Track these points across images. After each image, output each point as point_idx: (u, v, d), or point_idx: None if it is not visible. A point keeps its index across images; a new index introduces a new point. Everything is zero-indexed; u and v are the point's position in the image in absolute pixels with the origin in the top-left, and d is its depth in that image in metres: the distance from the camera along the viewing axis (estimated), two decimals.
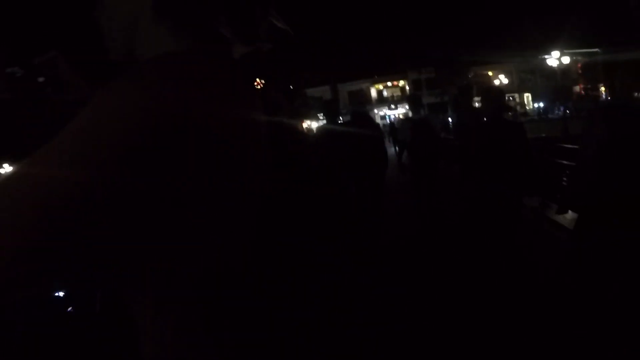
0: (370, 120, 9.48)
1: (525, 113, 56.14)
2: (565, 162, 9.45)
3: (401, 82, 68.61)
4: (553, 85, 57.58)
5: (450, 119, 24.53)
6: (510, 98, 61.01)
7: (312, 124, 53.34)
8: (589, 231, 3.70)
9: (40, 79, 1.95)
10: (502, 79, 58.80)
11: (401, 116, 49.46)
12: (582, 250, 3.87)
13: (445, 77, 54.56)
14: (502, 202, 6.08)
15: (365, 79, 68.60)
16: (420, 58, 56.76)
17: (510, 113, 30.67)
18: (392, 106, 66.42)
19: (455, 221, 8.62)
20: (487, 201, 6.24)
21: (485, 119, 6.60)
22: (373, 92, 69.98)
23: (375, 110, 66.37)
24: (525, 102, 62.51)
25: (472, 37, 49.80)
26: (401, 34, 57.90)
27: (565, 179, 9.02)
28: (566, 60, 39.71)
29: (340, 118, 12.99)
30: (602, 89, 44.33)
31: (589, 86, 54.28)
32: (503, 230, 6.27)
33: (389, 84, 69.72)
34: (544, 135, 29.14)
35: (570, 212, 5.90)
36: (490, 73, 61.00)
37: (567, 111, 47.94)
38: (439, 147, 8.97)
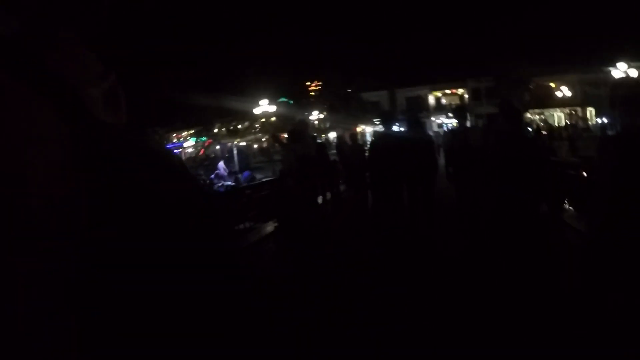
0: (423, 128, 10.52)
1: (588, 128, 53.52)
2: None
3: (460, 91, 67.63)
4: None
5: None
6: (572, 112, 59.37)
7: (365, 128, 53.36)
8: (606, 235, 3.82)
9: None
10: (564, 91, 56.93)
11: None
12: (599, 252, 3.99)
13: (505, 87, 53.47)
14: (519, 208, 6.54)
15: (424, 85, 67.55)
16: (480, 67, 55.99)
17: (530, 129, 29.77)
18: (450, 115, 65.18)
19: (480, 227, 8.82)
20: (506, 207, 6.70)
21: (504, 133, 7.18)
22: (431, 100, 69.13)
23: (433, 118, 65.57)
24: (588, 117, 60.33)
25: (534, 46, 48.79)
26: (463, 41, 57.22)
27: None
28: (633, 72, 37.99)
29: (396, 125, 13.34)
30: None
31: None
32: (524, 234, 6.66)
33: (448, 91, 68.68)
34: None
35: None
36: (552, 84, 59.37)
37: None
38: (472, 158, 8.91)
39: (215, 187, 28.94)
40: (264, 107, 40.38)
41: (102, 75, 0.80)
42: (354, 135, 16.13)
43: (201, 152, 75.69)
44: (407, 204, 10.18)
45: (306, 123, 11.62)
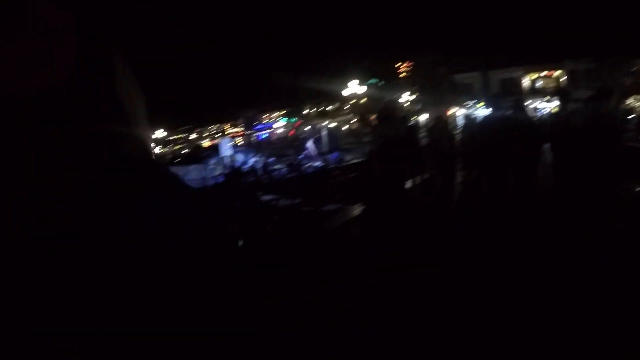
0: (526, 112, 10.47)
1: None
2: None
3: (556, 72, 64.97)
4: None
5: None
6: None
7: (457, 111, 52.31)
8: None
9: None
10: None
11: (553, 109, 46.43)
12: None
13: (606, 69, 51.03)
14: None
15: (519, 66, 65.31)
16: (580, 46, 53.49)
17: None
18: (546, 98, 62.80)
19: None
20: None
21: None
22: (526, 82, 66.81)
23: (528, 102, 63.38)
24: None
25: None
26: (561, 18, 54.90)
27: None
28: None
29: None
30: None
31: None
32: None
33: (543, 73, 66.10)
34: None
35: None
36: None
37: None
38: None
39: (304, 167, 29.27)
40: (353, 88, 40.13)
41: None
42: (441, 118, 15.76)
43: (291, 133, 76.38)
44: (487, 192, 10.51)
45: (395, 104, 11.33)
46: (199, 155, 39.47)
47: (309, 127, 68.61)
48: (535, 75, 66.59)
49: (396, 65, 71.39)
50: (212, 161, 34.68)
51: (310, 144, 33.24)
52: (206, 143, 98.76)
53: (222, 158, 34.16)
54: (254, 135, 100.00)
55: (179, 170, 37.18)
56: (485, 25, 60.71)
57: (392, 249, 7.81)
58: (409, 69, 68.13)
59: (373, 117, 13.89)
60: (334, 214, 12.69)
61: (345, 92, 41.06)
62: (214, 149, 38.91)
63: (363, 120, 32.44)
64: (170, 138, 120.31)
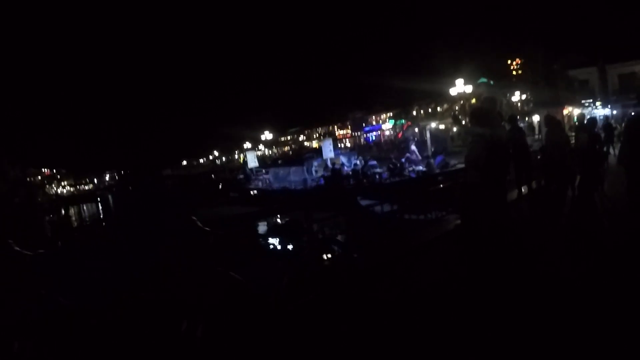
0: None
1: None
2: None
3: None
4: None
5: None
6: None
7: (573, 111, 49.59)
8: None
9: None
10: None
11: None
12: None
13: None
14: None
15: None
16: None
17: None
18: None
19: None
20: None
21: None
22: None
23: None
24: None
25: None
26: None
27: None
28: None
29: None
30: None
31: None
32: None
33: None
34: None
35: None
36: None
37: None
38: None
39: (406, 171, 28.23)
40: (460, 87, 38.58)
41: None
42: (553, 119, 14.31)
43: (399, 135, 75.39)
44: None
45: (494, 102, 9.93)
46: (301, 157, 39.12)
47: (417, 128, 67.38)
48: None
49: (507, 62, 69.16)
50: (315, 163, 34.17)
51: (413, 147, 32.05)
52: (315, 145, 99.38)
53: (325, 160, 33.53)
54: (363, 136, 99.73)
55: (279, 172, 37.19)
56: (601, 14, 57.43)
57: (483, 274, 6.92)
58: (520, 66, 65.78)
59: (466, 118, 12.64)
60: (430, 226, 11.79)
61: (452, 92, 39.51)
62: (317, 150, 38.22)
63: (454, 119, 30.75)
64: (281, 139, 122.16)
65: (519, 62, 62.68)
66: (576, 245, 8.49)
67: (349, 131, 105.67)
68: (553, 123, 13.36)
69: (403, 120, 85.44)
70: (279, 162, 44.11)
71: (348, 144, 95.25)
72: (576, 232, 9.42)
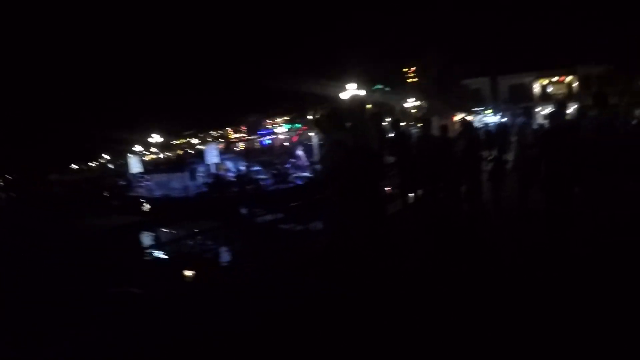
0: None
1: None
2: None
3: (569, 78, 62.57)
4: None
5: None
6: None
7: (466, 117, 50.14)
8: None
9: None
10: None
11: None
12: None
13: (622, 74, 49.09)
14: None
15: (528, 72, 62.86)
16: (593, 50, 51.64)
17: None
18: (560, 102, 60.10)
19: None
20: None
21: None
22: (536, 88, 64.39)
23: (539, 108, 61.12)
24: None
25: None
26: (572, 22, 53.48)
27: None
28: None
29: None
30: None
31: None
32: None
33: (555, 79, 63.65)
34: None
35: None
36: None
37: None
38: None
39: (290, 178, 26.69)
40: (352, 91, 37.43)
41: None
42: (444, 127, 13.50)
43: (294, 139, 74.14)
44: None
45: (361, 103, 8.38)
46: (182, 162, 36.71)
47: (313, 133, 66.30)
48: (546, 81, 64.15)
49: (403, 70, 69.50)
50: (201, 169, 32.21)
51: (300, 153, 30.32)
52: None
53: (209, 166, 31.60)
54: (257, 140, 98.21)
55: (161, 178, 34.82)
56: (495, 29, 59.11)
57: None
58: (416, 74, 66.29)
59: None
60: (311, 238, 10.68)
61: (343, 96, 38.47)
62: (200, 156, 35.81)
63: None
64: (174, 142, 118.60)
65: (414, 70, 63.06)
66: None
67: (244, 135, 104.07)
68: (427, 129, 12.50)
69: (299, 125, 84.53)
70: (161, 167, 41.61)
71: (231, 149, 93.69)
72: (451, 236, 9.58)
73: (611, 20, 47.76)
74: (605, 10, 49.90)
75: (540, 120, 52.85)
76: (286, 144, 75.04)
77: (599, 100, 8.60)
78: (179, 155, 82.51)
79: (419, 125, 12.97)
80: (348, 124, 6.70)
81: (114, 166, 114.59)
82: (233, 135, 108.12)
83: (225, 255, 14.70)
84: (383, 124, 11.57)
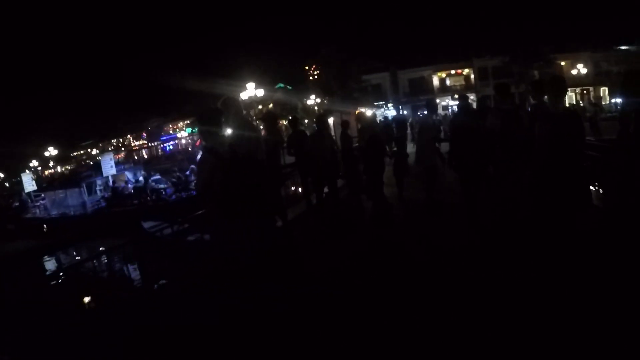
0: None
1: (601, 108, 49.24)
2: None
3: (466, 71, 64.40)
4: None
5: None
6: (584, 92, 56.34)
7: (367, 111, 50.47)
8: None
9: None
10: (580, 69, 53.21)
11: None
12: None
13: (518, 64, 50.98)
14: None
15: (427, 66, 64.32)
16: (488, 44, 53.44)
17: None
18: (456, 96, 62.40)
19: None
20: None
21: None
22: (435, 81, 65.88)
23: (438, 100, 62.44)
24: (601, 96, 56.57)
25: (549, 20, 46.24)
26: (468, 16, 55.14)
27: None
28: None
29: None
30: None
31: None
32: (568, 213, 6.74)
33: (453, 72, 65.36)
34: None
35: None
36: (562, 63, 55.94)
37: None
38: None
39: (192, 184, 25.63)
40: (251, 91, 36.43)
41: None
42: (345, 122, 13.16)
43: (197, 144, 72.46)
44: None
45: (232, 103, 7.26)
46: (77, 176, 34.41)
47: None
48: (444, 74, 65.73)
49: (305, 68, 69.31)
50: (99, 182, 30.56)
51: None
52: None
53: (107, 178, 30.00)
54: (160, 147, 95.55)
55: (56, 196, 32.80)
56: (393, 25, 59.97)
57: None
58: (317, 72, 66.26)
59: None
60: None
61: (243, 95, 37.47)
62: (96, 168, 33.58)
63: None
64: (74, 154, 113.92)
65: (315, 67, 62.95)
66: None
67: (146, 142, 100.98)
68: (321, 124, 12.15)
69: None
70: (55, 183, 38.84)
71: (146, 156, 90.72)
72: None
73: (504, 14, 49.73)
74: (499, 4, 51.98)
75: (440, 111, 54.36)
76: (190, 148, 73.36)
77: (501, 90, 8.73)
78: (72, 169, 78.72)
79: (314, 122, 12.36)
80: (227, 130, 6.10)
81: (9, 185, 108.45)
82: (134, 143, 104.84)
83: (130, 275, 13.81)
84: (279, 124, 10.94)
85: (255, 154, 6.17)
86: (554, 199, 6.67)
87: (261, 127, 10.06)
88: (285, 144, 11.70)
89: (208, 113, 5.62)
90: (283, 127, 31.86)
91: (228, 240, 5.49)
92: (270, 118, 10.06)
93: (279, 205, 9.24)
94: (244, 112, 7.87)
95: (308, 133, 12.30)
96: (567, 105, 48.86)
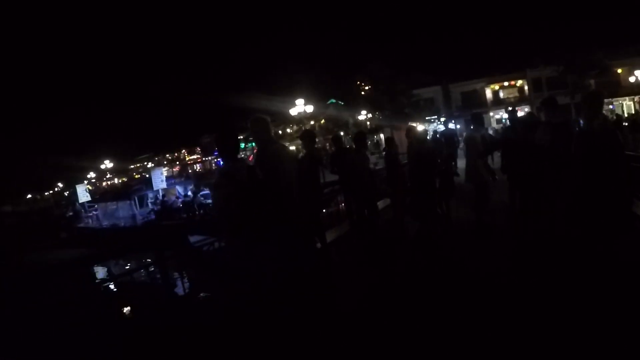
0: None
1: None
2: None
3: (519, 82, 63.21)
4: None
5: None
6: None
7: (418, 126, 50.05)
8: None
9: None
10: (638, 77, 51.30)
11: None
12: None
13: (575, 74, 49.68)
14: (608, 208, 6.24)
15: (480, 78, 63.54)
16: (541, 54, 52.16)
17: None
18: (511, 109, 60.93)
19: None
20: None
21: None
22: (488, 93, 64.90)
23: (491, 113, 61.45)
24: None
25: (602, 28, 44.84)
26: (521, 27, 54.30)
27: None
28: None
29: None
30: None
31: None
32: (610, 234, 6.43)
33: (506, 84, 64.23)
34: None
35: None
36: (619, 71, 54.11)
37: None
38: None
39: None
40: (300, 107, 36.30)
41: None
42: (389, 140, 12.80)
43: (250, 158, 72.78)
44: None
45: (261, 122, 6.90)
46: (128, 190, 35.14)
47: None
48: (497, 86, 64.66)
49: (357, 83, 69.24)
50: (150, 195, 30.97)
51: None
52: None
53: (157, 192, 30.35)
54: (214, 162, 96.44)
55: (108, 207, 33.37)
56: (444, 38, 59.66)
57: None
58: (367, 86, 66.11)
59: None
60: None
61: (292, 112, 37.51)
62: (147, 181, 34.18)
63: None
64: (130, 167, 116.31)
65: (366, 82, 62.72)
66: None
67: (199, 156, 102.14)
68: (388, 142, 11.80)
69: (254, 143, 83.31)
70: (107, 195, 39.78)
71: (199, 170, 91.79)
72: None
73: (557, 22, 48.56)
74: (551, 12, 50.90)
75: (494, 124, 53.45)
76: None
77: (549, 105, 8.64)
78: (124, 182, 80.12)
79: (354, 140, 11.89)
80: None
81: (67, 195, 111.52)
82: (189, 157, 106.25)
83: (175, 287, 13.80)
84: (316, 142, 10.68)
85: (277, 174, 5.92)
86: (591, 220, 6.39)
87: (300, 145, 9.92)
88: (325, 161, 11.50)
89: (222, 135, 5.45)
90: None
91: (247, 267, 5.29)
92: (307, 136, 9.78)
93: (317, 225, 8.94)
94: (273, 130, 7.74)
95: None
96: (627, 115, 47.65)
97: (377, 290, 7.64)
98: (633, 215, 7.42)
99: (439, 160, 12.05)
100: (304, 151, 9.35)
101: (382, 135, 54.39)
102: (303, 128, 62.03)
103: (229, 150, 5.32)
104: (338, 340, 5.67)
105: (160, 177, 31.01)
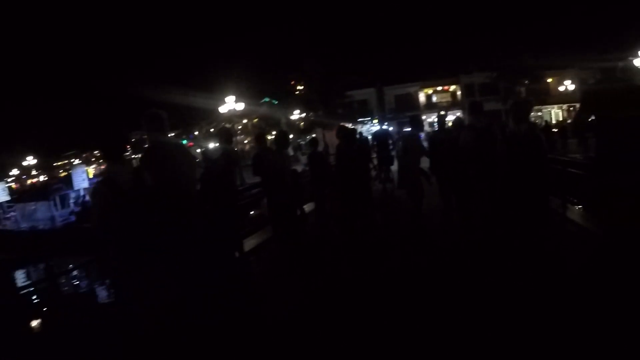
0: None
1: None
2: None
3: (452, 87, 64.12)
4: None
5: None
6: (571, 108, 55.86)
7: (353, 127, 49.94)
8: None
9: None
10: (568, 86, 52.68)
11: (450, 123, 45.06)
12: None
13: (506, 81, 51.14)
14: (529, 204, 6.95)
15: (414, 82, 64.16)
16: (475, 60, 53.18)
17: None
18: (442, 112, 61.62)
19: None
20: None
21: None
22: (422, 97, 65.53)
23: (424, 117, 61.90)
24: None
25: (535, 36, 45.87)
26: (455, 32, 55.14)
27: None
28: None
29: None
30: None
31: None
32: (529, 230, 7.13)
33: (439, 88, 65.01)
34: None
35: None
36: (549, 80, 55.71)
37: None
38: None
39: None
40: (230, 104, 35.42)
41: None
42: (314, 140, 12.29)
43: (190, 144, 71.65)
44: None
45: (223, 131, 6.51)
46: (47, 189, 33.08)
47: (199, 149, 64.03)
48: (430, 90, 65.36)
49: (291, 83, 68.77)
50: (72, 195, 29.42)
51: None
52: (90, 170, 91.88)
53: (78, 191, 28.83)
54: None
55: (26, 208, 31.37)
56: (380, 41, 59.82)
57: None
58: (302, 86, 65.75)
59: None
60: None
61: (222, 109, 36.60)
62: (67, 181, 32.21)
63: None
64: (57, 164, 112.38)
65: (300, 81, 62.26)
66: None
67: (129, 154, 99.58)
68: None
69: (185, 141, 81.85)
70: (24, 195, 37.27)
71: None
72: None
73: (492, 30, 49.71)
74: (486, 21, 52.02)
75: (427, 127, 53.88)
76: None
77: (474, 109, 8.80)
78: (45, 181, 76.94)
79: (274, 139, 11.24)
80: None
81: None
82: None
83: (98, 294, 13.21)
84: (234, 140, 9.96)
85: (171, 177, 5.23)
86: (513, 216, 7.11)
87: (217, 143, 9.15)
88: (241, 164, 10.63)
89: (106, 137, 4.71)
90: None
91: (134, 290, 4.58)
92: (223, 133, 8.88)
93: (232, 231, 8.21)
94: (204, 129, 7.05)
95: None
96: (555, 121, 48.97)
97: (303, 298, 6.98)
98: (550, 211, 8.31)
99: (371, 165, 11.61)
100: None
101: (314, 135, 54.35)
102: (239, 126, 61.25)
103: (112, 152, 4.59)
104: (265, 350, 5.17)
105: (81, 176, 29.52)
